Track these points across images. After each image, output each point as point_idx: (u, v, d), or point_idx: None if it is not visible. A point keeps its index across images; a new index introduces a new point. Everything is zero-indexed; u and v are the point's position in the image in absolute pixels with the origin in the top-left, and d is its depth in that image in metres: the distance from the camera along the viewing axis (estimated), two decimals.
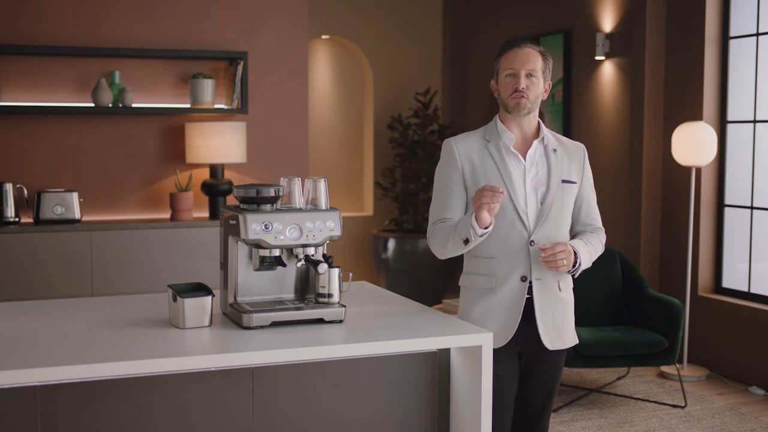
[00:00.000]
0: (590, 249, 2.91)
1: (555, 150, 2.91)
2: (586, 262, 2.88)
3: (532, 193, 2.86)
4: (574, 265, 2.83)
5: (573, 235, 2.97)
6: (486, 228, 2.73)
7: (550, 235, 2.85)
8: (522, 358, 2.93)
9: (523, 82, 2.82)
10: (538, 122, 2.94)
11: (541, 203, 2.86)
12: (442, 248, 2.87)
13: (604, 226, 3.05)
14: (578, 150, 2.97)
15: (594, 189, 3.02)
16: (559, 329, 2.89)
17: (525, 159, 2.88)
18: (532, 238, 2.83)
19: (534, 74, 2.84)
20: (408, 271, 7.30)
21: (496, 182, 2.85)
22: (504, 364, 2.86)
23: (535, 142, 2.90)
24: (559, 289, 2.89)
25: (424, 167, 7.54)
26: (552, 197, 2.86)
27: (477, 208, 2.69)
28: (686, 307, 5.43)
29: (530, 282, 2.85)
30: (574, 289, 2.99)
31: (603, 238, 2.99)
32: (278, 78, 5.64)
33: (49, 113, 5.20)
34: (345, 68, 8.04)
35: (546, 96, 2.91)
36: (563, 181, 2.88)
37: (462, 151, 2.90)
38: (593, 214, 2.99)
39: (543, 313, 2.86)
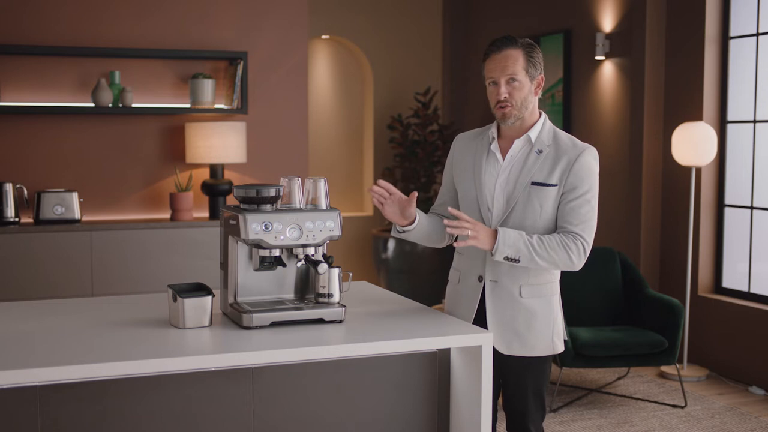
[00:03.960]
0: (534, 243, 2.70)
1: (541, 150, 2.81)
2: (517, 250, 2.69)
3: (501, 193, 2.82)
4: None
5: None
6: (406, 226, 2.87)
7: None
8: (494, 359, 2.86)
9: (504, 91, 2.76)
10: (538, 118, 2.84)
11: (508, 204, 2.81)
12: None
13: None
14: (573, 151, 2.78)
15: (586, 196, 2.77)
16: (521, 335, 2.81)
17: (506, 158, 2.84)
18: None
19: (516, 77, 2.76)
20: (408, 271, 7.30)
21: (467, 180, 2.90)
22: None
23: (516, 142, 2.83)
24: (521, 295, 2.81)
25: (424, 167, 7.54)
26: (515, 199, 2.79)
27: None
28: (686, 307, 5.43)
29: (484, 283, 2.83)
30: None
31: (572, 243, 2.74)
32: (278, 78, 5.64)
33: (49, 113, 5.19)
34: (345, 68, 8.04)
35: (539, 91, 2.82)
36: (533, 183, 2.78)
37: (457, 148, 3.01)
38: (569, 218, 2.76)
39: (495, 316, 2.82)
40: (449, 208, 2.75)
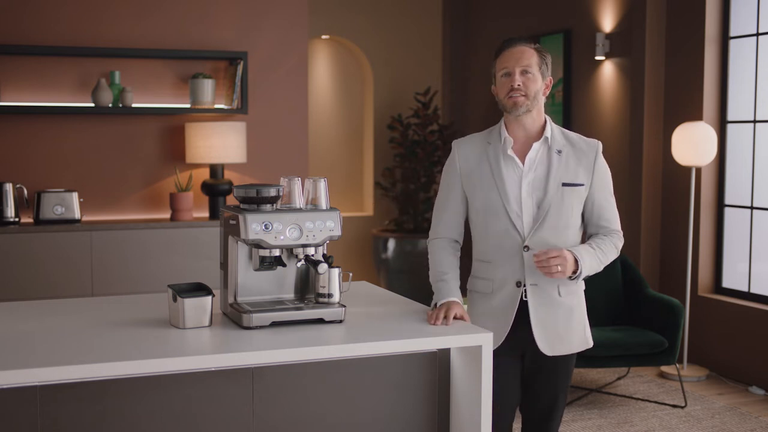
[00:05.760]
0: (598, 254, 2.80)
1: (560, 151, 2.83)
2: (591, 267, 2.78)
3: (528, 197, 2.80)
4: (575, 272, 2.75)
5: (587, 237, 2.92)
6: None
7: (548, 240, 2.79)
8: (525, 362, 2.91)
9: (519, 80, 2.77)
10: (545, 120, 2.87)
11: (538, 208, 2.80)
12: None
13: None
14: (589, 149, 2.86)
15: (611, 190, 2.90)
16: (561, 335, 2.85)
17: (525, 162, 2.83)
18: (526, 243, 2.80)
19: (529, 70, 2.78)
20: (408, 271, 7.30)
21: (486, 189, 2.84)
22: (505, 367, 2.85)
23: (536, 144, 2.83)
24: (559, 295, 2.83)
25: (424, 167, 7.54)
26: (549, 202, 2.79)
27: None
28: (686, 307, 5.43)
29: (525, 287, 2.82)
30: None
31: (618, 241, 2.87)
32: (278, 78, 5.64)
33: (49, 113, 5.19)
34: (345, 68, 8.04)
35: (547, 92, 2.85)
36: (564, 185, 2.80)
37: (462, 155, 2.91)
38: (607, 215, 2.87)
39: (539, 318, 2.83)
40: (534, 253, 2.72)
